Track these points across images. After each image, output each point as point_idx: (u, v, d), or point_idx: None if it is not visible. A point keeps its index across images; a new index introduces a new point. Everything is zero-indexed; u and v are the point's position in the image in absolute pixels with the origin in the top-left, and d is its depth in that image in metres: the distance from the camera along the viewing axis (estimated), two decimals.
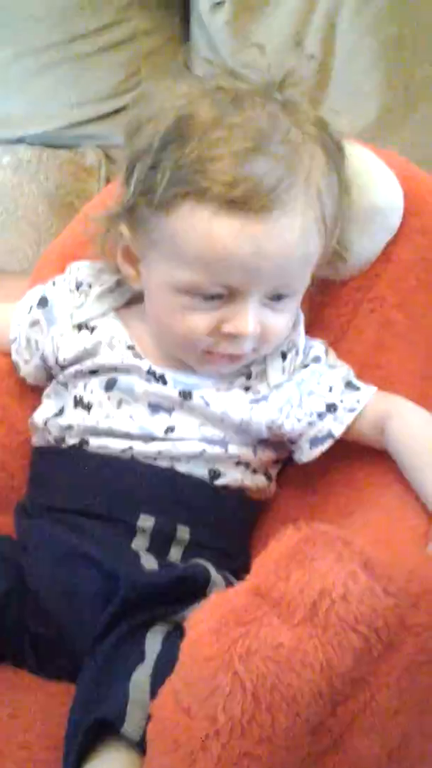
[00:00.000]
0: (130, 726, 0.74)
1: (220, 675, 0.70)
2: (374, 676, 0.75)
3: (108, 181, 1.55)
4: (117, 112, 1.57)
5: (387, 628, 0.74)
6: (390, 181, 1.03)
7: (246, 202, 0.88)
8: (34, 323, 1.06)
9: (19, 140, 1.58)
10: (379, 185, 1.02)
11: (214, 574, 0.89)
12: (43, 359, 1.05)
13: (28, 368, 1.07)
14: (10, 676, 0.92)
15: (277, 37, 1.44)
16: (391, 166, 1.04)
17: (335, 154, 0.96)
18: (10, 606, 0.92)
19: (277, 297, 0.94)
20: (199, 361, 0.98)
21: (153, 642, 0.81)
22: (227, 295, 0.92)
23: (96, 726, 0.75)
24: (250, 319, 0.93)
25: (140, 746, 0.74)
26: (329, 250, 0.98)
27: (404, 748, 0.77)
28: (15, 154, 1.55)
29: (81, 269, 1.06)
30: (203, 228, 0.89)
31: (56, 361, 1.03)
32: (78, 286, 1.05)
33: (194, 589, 0.85)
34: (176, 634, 0.79)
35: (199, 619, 0.75)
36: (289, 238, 0.91)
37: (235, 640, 0.71)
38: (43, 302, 1.06)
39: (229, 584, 0.89)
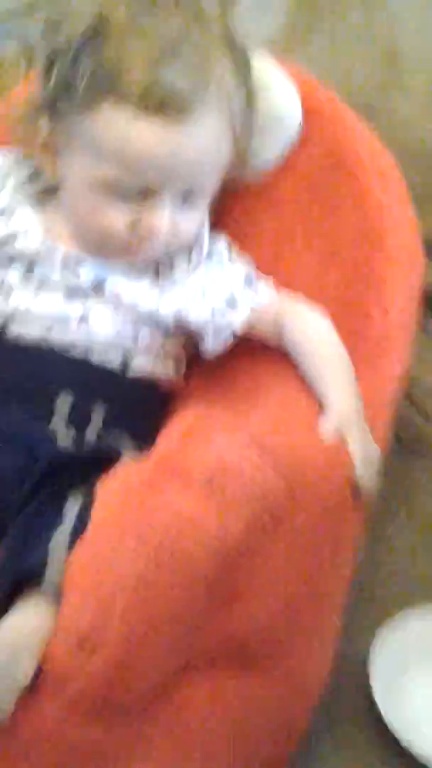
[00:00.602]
0: (48, 580, 0.80)
1: (126, 535, 0.77)
2: (264, 544, 0.83)
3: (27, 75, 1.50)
4: (36, 6, 1.50)
5: (277, 505, 0.82)
6: (290, 92, 1.07)
7: (163, 106, 0.92)
8: None
9: None
10: (279, 95, 1.06)
11: (126, 449, 0.93)
12: None
13: None
14: None
15: None
16: (291, 77, 1.07)
17: (242, 64, 0.99)
18: None
19: (189, 197, 0.98)
20: (115, 253, 1.01)
21: (71, 507, 0.85)
22: (143, 195, 0.96)
23: (17, 581, 0.81)
24: (164, 217, 0.97)
25: (57, 599, 0.80)
26: (237, 155, 1.02)
27: (293, 608, 0.86)
28: None
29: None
30: (122, 129, 0.93)
31: None
32: None
33: (108, 464, 0.88)
34: (91, 501, 0.84)
35: (109, 485, 0.82)
36: (203, 141, 0.95)
37: (139, 505, 0.79)
38: None
39: None
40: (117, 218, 0.97)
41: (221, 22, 0.99)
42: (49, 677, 0.77)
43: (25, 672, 0.77)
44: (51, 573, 0.81)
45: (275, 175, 1.09)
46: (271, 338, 1.04)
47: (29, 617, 0.80)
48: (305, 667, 0.91)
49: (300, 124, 1.08)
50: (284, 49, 1.07)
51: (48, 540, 0.83)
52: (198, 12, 0.97)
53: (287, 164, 1.09)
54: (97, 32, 0.93)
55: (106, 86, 0.92)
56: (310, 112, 1.08)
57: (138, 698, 0.80)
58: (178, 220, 0.99)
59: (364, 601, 1.11)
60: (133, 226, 0.98)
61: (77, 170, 0.98)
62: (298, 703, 0.91)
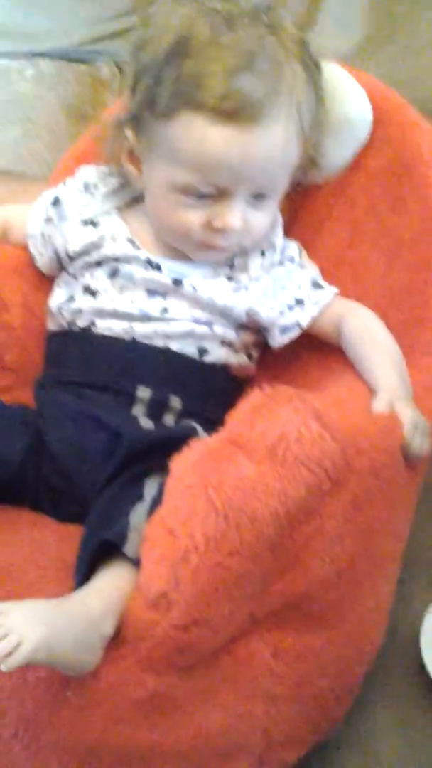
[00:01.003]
0: (130, 547, 0.86)
1: (197, 501, 0.83)
2: (323, 507, 0.88)
3: (121, 92, 1.64)
4: (128, 30, 1.57)
5: (334, 468, 0.87)
6: (360, 96, 1.13)
7: (236, 113, 0.98)
8: (48, 220, 1.16)
9: (41, 54, 1.63)
10: (350, 99, 1.12)
11: (202, 433, 1.00)
12: (56, 252, 1.15)
13: (43, 260, 1.17)
14: (30, 516, 1.04)
15: None
16: (362, 83, 1.13)
17: (313, 71, 1.06)
18: (30, 461, 1.03)
19: (259, 196, 1.05)
20: (194, 250, 1.09)
21: (151, 486, 0.92)
22: (217, 194, 1.03)
23: (102, 546, 0.87)
24: (236, 215, 1.04)
25: (136, 564, 0.86)
26: (306, 157, 1.09)
27: (350, 569, 0.91)
28: (37, 67, 1.62)
29: (89, 172, 1.17)
30: (199, 135, 0.99)
31: (66, 254, 1.14)
32: (86, 187, 1.15)
33: (185, 445, 0.93)
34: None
35: (181, 458, 0.88)
36: (273, 145, 1.02)
37: (208, 473, 0.84)
38: (56, 201, 1.16)
39: None
40: (193, 217, 1.05)
41: (294, 31, 1.05)
42: (129, 632, 0.83)
43: (110, 628, 0.82)
44: (132, 541, 0.86)
45: (346, 175, 1.16)
46: (331, 335, 1.11)
47: (114, 580, 0.85)
48: (363, 626, 0.96)
49: (370, 126, 1.14)
50: (359, 58, 1.11)
51: (128, 513, 0.89)
52: (273, 24, 1.03)
53: (357, 165, 1.15)
54: (180, 49, 1.00)
55: (186, 96, 0.99)
56: (380, 116, 1.14)
57: (207, 653, 0.85)
58: (249, 218, 1.06)
59: (418, 568, 1.16)
60: (209, 224, 1.05)
61: (157, 175, 1.06)
62: (354, 660, 0.96)
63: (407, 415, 0.95)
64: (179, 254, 1.11)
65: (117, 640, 0.83)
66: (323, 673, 0.93)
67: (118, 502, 0.92)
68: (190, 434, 0.98)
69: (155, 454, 0.94)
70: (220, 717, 0.87)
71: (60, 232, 1.15)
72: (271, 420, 0.88)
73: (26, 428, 1.06)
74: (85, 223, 1.14)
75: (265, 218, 1.09)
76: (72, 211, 1.15)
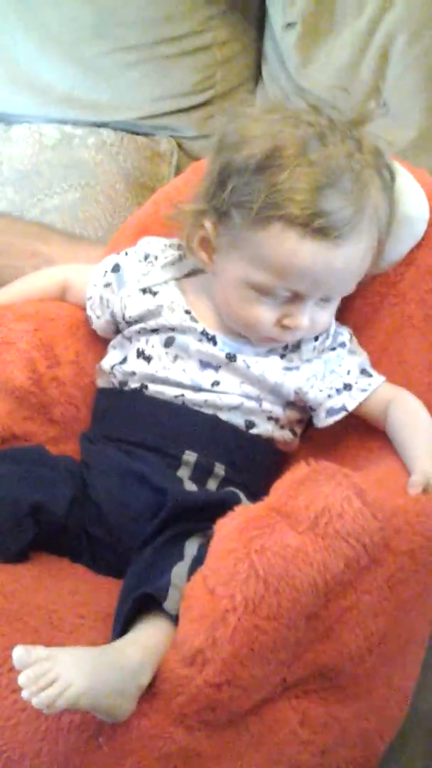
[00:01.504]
0: (170, 603, 0.89)
1: (239, 564, 0.86)
2: (360, 582, 0.91)
3: (178, 167, 1.69)
4: (191, 108, 1.71)
5: (373, 545, 0.90)
6: (419, 194, 1.16)
7: (326, 231, 1.03)
8: (107, 285, 1.20)
9: (104, 125, 1.70)
10: (409, 197, 1.16)
11: (245, 500, 1.03)
12: (113, 316, 1.20)
13: (99, 322, 1.22)
14: (70, 566, 1.07)
15: (337, 60, 1.55)
16: (420, 181, 1.17)
17: (387, 181, 1.11)
18: (74, 512, 1.06)
19: (328, 298, 1.11)
20: (257, 339, 1.13)
21: (191, 547, 0.95)
22: (291, 298, 1.08)
23: (142, 600, 0.90)
24: (306, 317, 1.09)
25: (175, 621, 0.89)
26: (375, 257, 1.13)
27: (382, 645, 0.94)
28: (99, 137, 1.69)
29: (150, 243, 1.22)
30: (290, 247, 1.04)
31: (123, 318, 1.18)
32: (146, 257, 1.20)
33: (227, 510, 0.95)
34: (209, 540, 0.93)
35: (225, 522, 0.91)
36: (354, 258, 1.08)
37: (252, 538, 0.87)
38: (116, 268, 1.21)
39: None
40: (265, 314, 1.10)
41: (372, 144, 1.09)
42: (164, 686, 0.86)
43: (147, 679, 0.85)
44: (172, 597, 0.90)
45: (398, 268, 1.20)
46: (377, 419, 1.15)
47: (152, 633, 0.88)
48: (388, 701, 0.98)
49: (426, 224, 1.18)
50: (413, 153, 1.16)
51: (170, 570, 0.92)
52: (359, 141, 1.07)
53: (410, 260, 1.20)
54: (273, 160, 1.03)
55: (279, 208, 1.03)
56: None
57: (237, 713, 0.88)
58: (315, 317, 1.11)
59: None
60: (279, 322, 1.10)
61: (234, 269, 1.10)
62: (378, 732, 0.99)
63: None
64: (236, 331, 1.15)
65: (151, 692, 0.86)
66: (346, 743, 0.95)
67: (160, 560, 0.95)
68: (234, 500, 1.01)
69: (199, 515, 0.98)
70: None
71: (119, 298, 1.19)
72: (314, 492, 0.91)
73: (72, 479, 1.09)
74: (144, 291, 1.18)
75: (329, 317, 1.14)
76: (131, 279, 1.19)
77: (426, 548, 0.95)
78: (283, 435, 1.17)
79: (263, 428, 1.15)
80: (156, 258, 1.20)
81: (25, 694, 0.79)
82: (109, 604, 0.97)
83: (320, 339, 1.16)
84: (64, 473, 1.09)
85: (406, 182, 1.16)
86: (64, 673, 0.80)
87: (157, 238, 1.23)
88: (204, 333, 1.15)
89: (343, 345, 1.18)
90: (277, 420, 1.16)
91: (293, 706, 0.92)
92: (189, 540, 0.97)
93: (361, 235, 1.07)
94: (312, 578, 0.87)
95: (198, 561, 0.93)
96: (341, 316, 1.19)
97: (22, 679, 0.79)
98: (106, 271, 1.22)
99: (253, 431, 1.14)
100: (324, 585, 0.88)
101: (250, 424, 1.14)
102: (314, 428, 1.19)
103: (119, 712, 0.84)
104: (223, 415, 1.13)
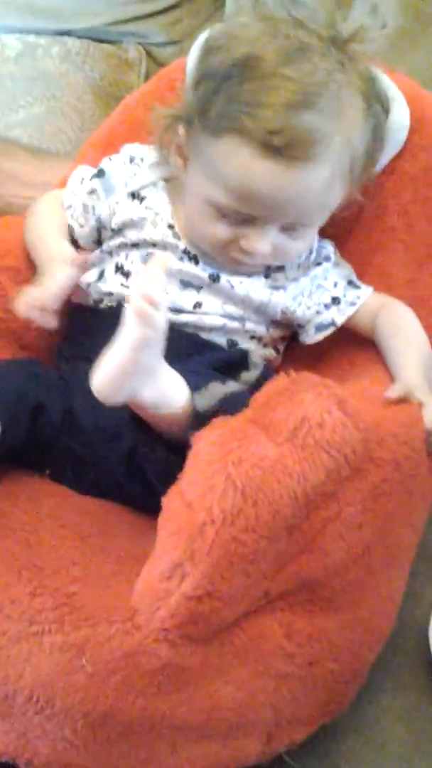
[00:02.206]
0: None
1: (216, 476, 0.85)
2: (342, 494, 0.91)
3: (147, 75, 1.64)
4: (158, 12, 1.67)
5: (355, 456, 0.90)
6: (398, 101, 1.13)
7: (285, 150, 0.96)
8: (92, 192, 1.16)
9: (68, 33, 1.66)
10: (392, 107, 1.12)
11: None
12: (99, 222, 1.15)
13: (83, 231, 1.17)
14: (48, 486, 1.06)
15: None
16: (400, 87, 1.14)
17: (377, 113, 1.05)
18: (65, 424, 1.03)
19: (294, 227, 1.05)
20: (221, 260, 1.10)
21: None
22: (247, 221, 1.04)
23: None
24: (265, 242, 1.05)
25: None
26: (353, 193, 1.09)
27: (367, 556, 0.95)
28: (64, 46, 1.64)
29: (134, 146, 1.18)
30: (241, 164, 0.99)
31: (109, 225, 1.14)
32: (131, 159, 1.16)
33: None
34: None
35: (203, 435, 0.91)
36: (314, 186, 1.01)
37: (230, 450, 0.87)
38: (100, 173, 1.16)
39: None
40: (220, 233, 1.06)
41: (366, 69, 1.03)
42: (144, 602, 0.86)
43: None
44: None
45: (379, 180, 1.17)
46: (366, 330, 1.14)
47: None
48: (375, 613, 0.99)
49: (407, 133, 1.15)
50: (390, 59, 1.12)
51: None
52: (346, 62, 1.01)
53: (390, 169, 1.18)
54: (244, 68, 0.98)
55: (236, 121, 0.98)
56: (416, 120, 1.15)
57: (220, 626, 0.88)
58: (282, 244, 1.07)
59: (429, 571, 1.18)
60: (235, 243, 1.06)
61: (197, 183, 1.06)
62: (365, 646, 0.99)
63: (429, 406, 0.98)
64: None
65: (132, 609, 0.86)
66: (334, 656, 0.96)
67: None
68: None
69: None
70: (232, 692, 0.90)
71: (107, 205, 1.16)
72: (294, 404, 0.91)
73: (63, 392, 1.06)
74: (133, 196, 1.14)
75: (300, 246, 1.10)
76: (119, 183, 1.15)
77: (411, 458, 0.95)
78: (265, 353, 1.16)
79: (245, 347, 1.13)
80: (142, 159, 1.17)
81: None
82: (90, 524, 0.98)
83: (304, 256, 1.14)
84: (57, 383, 1.07)
85: (387, 90, 1.13)
86: None
87: (139, 144, 1.19)
88: (186, 252, 1.12)
89: (327, 258, 1.16)
90: (260, 339, 1.15)
91: (278, 618, 0.93)
92: None
93: (325, 162, 1.00)
94: (291, 490, 0.87)
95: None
96: (321, 230, 1.16)
97: None
98: (83, 179, 1.18)
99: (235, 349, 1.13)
100: (304, 496, 0.88)
101: (233, 344, 1.13)
102: (298, 344, 1.18)
103: None
104: (204, 335, 1.11)
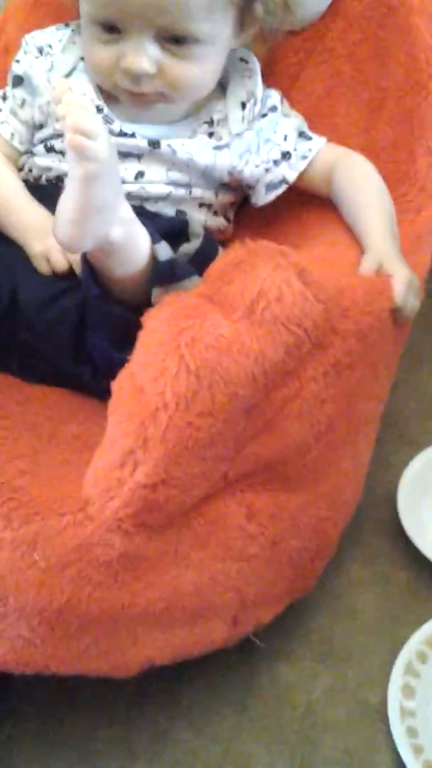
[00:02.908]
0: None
1: (169, 358, 0.76)
2: (303, 370, 0.83)
3: None
4: None
5: (315, 329, 0.81)
6: None
7: None
8: (23, 103, 1.04)
9: None
10: None
11: None
12: (34, 126, 1.05)
13: (20, 133, 1.05)
14: None
15: None
16: None
17: None
18: (9, 311, 0.94)
19: (176, 40, 0.94)
20: (123, 96, 0.99)
21: None
22: (123, 33, 0.93)
23: None
24: (141, 57, 0.93)
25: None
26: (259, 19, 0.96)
27: (329, 432, 0.87)
28: None
29: (35, 36, 1.05)
30: None
31: (40, 123, 1.04)
32: (40, 51, 1.04)
33: None
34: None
35: (154, 314, 0.81)
36: None
37: (182, 330, 0.77)
38: (17, 81, 1.04)
39: None
40: (104, 54, 0.96)
41: None
42: (96, 492, 0.78)
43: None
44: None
45: (323, 20, 1.06)
46: (321, 187, 1.03)
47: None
48: (339, 487, 0.92)
49: None
50: None
51: None
52: None
53: (336, 9, 1.06)
54: None
55: None
56: None
57: (176, 512, 0.81)
58: (168, 65, 0.95)
59: (394, 439, 1.14)
60: (119, 68, 0.95)
61: (78, 7, 0.97)
62: (330, 520, 0.93)
63: (400, 274, 0.89)
64: (153, 117, 1.01)
65: (83, 499, 0.79)
66: (297, 533, 0.90)
67: None
68: None
69: None
70: (193, 577, 0.83)
71: (36, 108, 1.04)
72: (250, 276, 0.81)
73: (7, 276, 0.96)
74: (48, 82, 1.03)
75: (192, 69, 0.96)
76: (41, 81, 1.04)
77: (375, 328, 0.87)
78: (216, 222, 1.05)
79: (195, 218, 1.02)
80: (51, 46, 1.04)
81: None
82: (37, 412, 0.91)
83: (248, 107, 1.02)
84: (2, 260, 0.97)
85: None
86: None
87: (38, 30, 1.06)
88: (121, 132, 1.00)
89: (274, 108, 1.03)
90: (209, 206, 1.04)
91: (238, 500, 0.85)
92: None
93: None
94: (249, 369, 0.78)
95: None
96: (265, 80, 1.04)
97: None
98: (4, 93, 1.05)
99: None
100: (263, 376, 0.79)
101: (181, 214, 1.02)
102: (247, 211, 1.07)
103: None
104: (151, 207, 1.00)
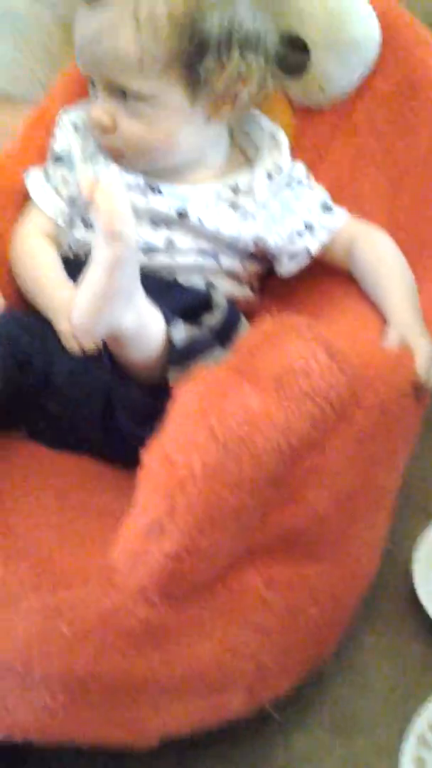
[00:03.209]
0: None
1: (198, 429, 0.76)
2: (327, 441, 0.82)
3: None
4: None
5: (340, 402, 0.81)
6: (368, 15, 1.04)
7: None
8: (63, 180, 1.06)
9: None
10: (356, 18, 1.03)
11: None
12: (74, 201, 1.05)
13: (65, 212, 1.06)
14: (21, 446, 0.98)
15: None
16: (371, 2, 1.04)
17: None
18: (31, 382, 0.95)
19: (124, 94, 0.97)
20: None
21: None
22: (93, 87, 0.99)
23: None
24: (96, 107, 0.98)
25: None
26: (156, 50, 0.96)
27: (350, 503, 0.86)
28: None
29: (69, 112, 1.08)
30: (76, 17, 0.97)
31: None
32: (75, 127, 1.07)
33: None
34: None
35: (185, 386, 0.81)
36: (99, 28, 0.95)
37: (212, 402, 0.77)
38: (56, 158, 1.06)
39: None
40: (89, 112, 1.00)
41: None
42: (122, 561, 0.77)
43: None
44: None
45: (351, 98, 1.08)
46: (341, 259, 1.04)
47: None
48: (357, 557, 0.91)
49: (378, 48, 1.05)
50: None
51: None
52: None
53: (363, 88, 1.08)
54: None
55: None
56: (388, 36, 1.06)
57: (201, 583, 0.80)
58: (120, 121, 0.98)
59: (410, 508, 1.12)
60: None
61: None
62: (347, 590, 0.92)
63: (422, 348, 0.89)
64: (170, 175, 1.02)
65: (110, 569, 0.78)
66: (315, 602, 0.88)
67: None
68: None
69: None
70: (213, 649, 0.81)
71: (75, 182, 1.05)
72: (278, 350, 0.81)
73: (45, 346, 0.97)
74: (85, 160, 1.06)
75: (141, 127, 0.98)
76: (77, 155, 1.06)
77: (398, 401, 0.87)
78: (243, 293, 1.05)
79: (223, 288, 1.03)
80: (85, 123, 1.07)
81: None
82: (68, 480, 0.91)
83: (274, 177, 1.04)
84: (41, 334, 0.97)
85: (353, 2, 1.03)
86: None
87: (71, 108, 1.09)
88: (148, 185, 1.01)
89: (299, 181, 1.05)
90: (236, 277, 1.04)
91: (259, 570, 0.84)
92: None
93: (111, 4, 0.95)
94: (275, 442, 0.78)
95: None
96: (292, 154, 1.07)
97: None
98: (46, 174, 1.07)
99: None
100: (289, 448, 0.79)
101: (211, 286, 1.02)
102: (276, 282, 1.08)
103: None
104: (182, 279, 1.01)
